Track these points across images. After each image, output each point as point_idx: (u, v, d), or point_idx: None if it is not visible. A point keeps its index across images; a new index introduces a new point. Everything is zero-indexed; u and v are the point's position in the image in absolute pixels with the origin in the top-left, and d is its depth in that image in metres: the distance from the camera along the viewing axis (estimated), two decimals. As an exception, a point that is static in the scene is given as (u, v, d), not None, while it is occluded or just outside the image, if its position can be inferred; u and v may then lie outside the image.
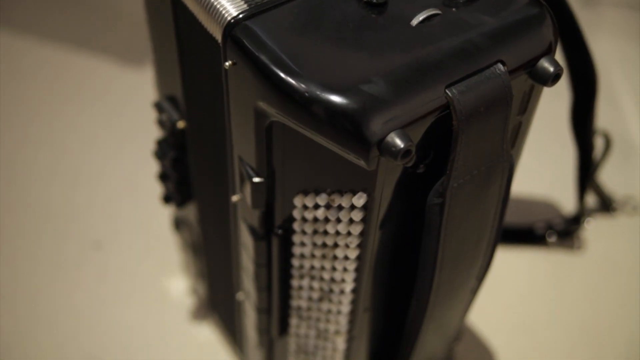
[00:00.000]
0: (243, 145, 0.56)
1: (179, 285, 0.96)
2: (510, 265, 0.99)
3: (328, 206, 0.54)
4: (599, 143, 0.94)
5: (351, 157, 0.48)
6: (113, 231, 1.02)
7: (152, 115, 0.79)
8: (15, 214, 1.04)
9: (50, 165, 1.10)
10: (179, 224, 0.83)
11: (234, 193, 0.62)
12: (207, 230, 0.77)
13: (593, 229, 1.04)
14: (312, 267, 0.60)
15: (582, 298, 0.96)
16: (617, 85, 1.22)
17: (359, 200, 0.51)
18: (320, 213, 0.55)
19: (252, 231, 0.61)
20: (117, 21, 1.31)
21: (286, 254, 0.60)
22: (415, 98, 0.48)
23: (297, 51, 0.49)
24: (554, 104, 0.97)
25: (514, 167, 0.57)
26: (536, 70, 0.52)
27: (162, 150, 0.70)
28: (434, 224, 0.54)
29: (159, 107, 0.68)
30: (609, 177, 1.06)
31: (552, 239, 1.01)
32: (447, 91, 0.48)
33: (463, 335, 0.88)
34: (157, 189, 1.02)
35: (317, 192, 0.54)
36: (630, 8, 1.38)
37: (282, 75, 0.48)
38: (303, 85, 0.47)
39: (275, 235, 0.59)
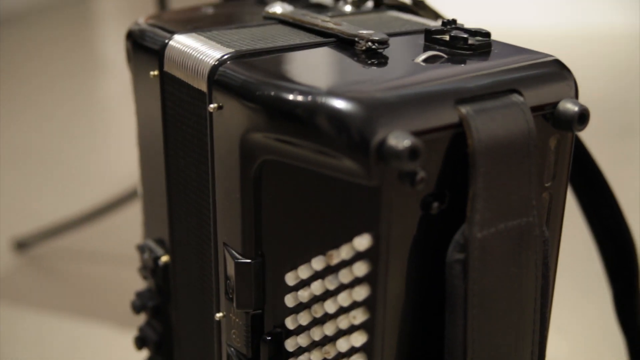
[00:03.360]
0: (228, 222, 0.49)
1: None
2: None
3: (324, 274, 0.44)
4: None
5: (350, 167, 0.40)
6: None
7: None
8: None
9: None
10: None
11: (218, 311, 0.52)
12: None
13: None
14: (310, 389, 0.47)
15: None
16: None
17: (362, 241, 0.42)
18: (317, 286, 0.45)
19: (239, 356, 0.50)
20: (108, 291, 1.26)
21: (278, 377, 0.48)
22: (421, 104, 0.42)
23: (289, 73, 0.45)
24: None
25: (550, 246, 0.48)
26: (558, 113, 0.46)
27: (142, 301, 0.60)
28: (457, 293, 0.44)
29: (142, 248, 0.61)
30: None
31: None
32: (459, 107, 0.42)
33: None
34: None
35: (310, 258, 0.45)
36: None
37: (274, 86, 0.43)
38: (298, 93, 0.42)
39: (264, 342, 0.48)
